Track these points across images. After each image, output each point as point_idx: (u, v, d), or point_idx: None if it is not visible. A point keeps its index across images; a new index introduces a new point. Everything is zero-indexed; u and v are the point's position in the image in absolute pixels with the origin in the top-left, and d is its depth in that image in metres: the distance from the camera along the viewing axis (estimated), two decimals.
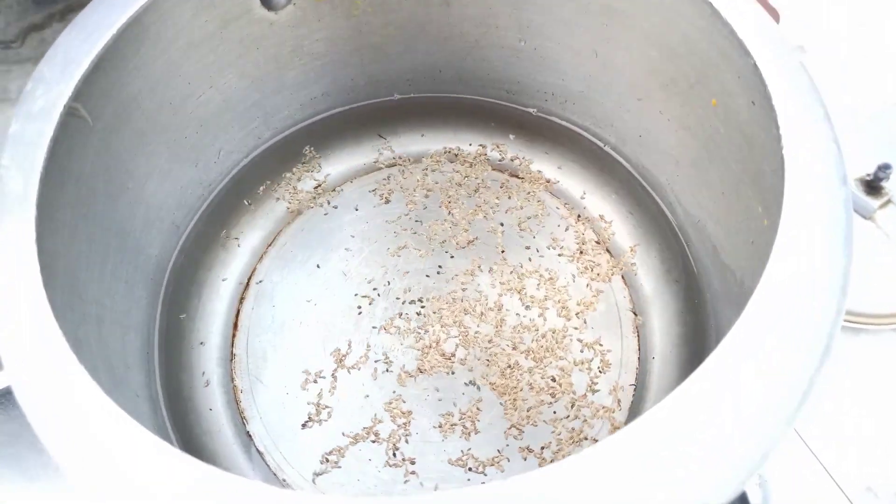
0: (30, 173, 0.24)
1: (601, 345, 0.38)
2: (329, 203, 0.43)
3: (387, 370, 0.37)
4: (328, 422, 0.36)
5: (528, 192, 0.43)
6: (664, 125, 0.35)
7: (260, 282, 0.41)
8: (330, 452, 0.35)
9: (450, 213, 0.42)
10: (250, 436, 0.37)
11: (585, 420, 0.36)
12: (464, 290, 0.39)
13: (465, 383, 0.37)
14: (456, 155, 0.44)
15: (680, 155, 0.35)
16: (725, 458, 0.18)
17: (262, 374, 0.38)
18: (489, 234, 0.41)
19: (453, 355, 0.38)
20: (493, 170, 0.44)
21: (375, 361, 0.38)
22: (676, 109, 0.34)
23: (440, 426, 0.36)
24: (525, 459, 0.35)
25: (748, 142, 0.29)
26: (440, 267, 0.40)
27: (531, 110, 0.42)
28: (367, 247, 0.41)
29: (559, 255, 0.40)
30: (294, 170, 0.43)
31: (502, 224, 0.42)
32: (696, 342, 0.36)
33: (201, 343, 0.38)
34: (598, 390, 0.37)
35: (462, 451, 0.35)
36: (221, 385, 0.38)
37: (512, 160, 0.44)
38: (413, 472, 0.35)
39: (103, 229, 0.30)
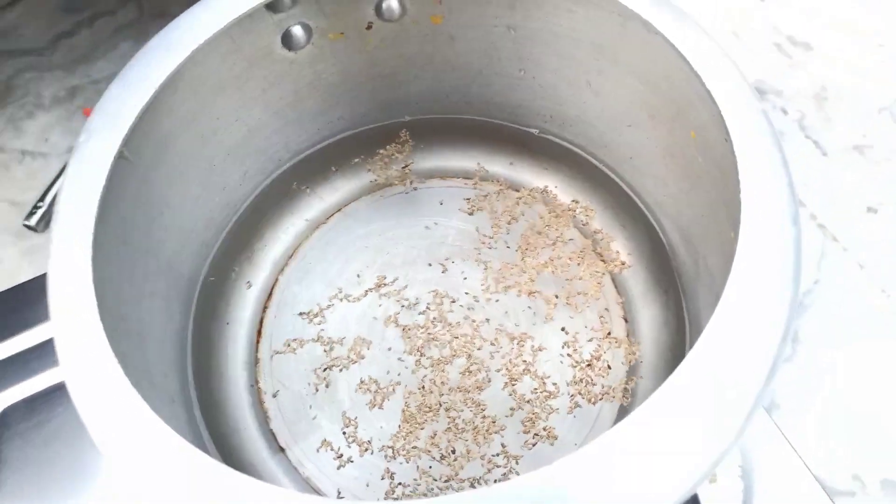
0: (86, 214, 0.27)
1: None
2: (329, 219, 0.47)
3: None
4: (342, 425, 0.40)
5: (596, 273, 0.44)
6: (652, 150, 0.38)
7: (282, 290, 0.45)
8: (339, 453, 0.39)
9: (523, 258, 0.45)
10: (273, 433, 0.40)
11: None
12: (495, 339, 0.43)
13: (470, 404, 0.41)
14: (547, 195, 0.47)
15: (667, 178, 0.38)
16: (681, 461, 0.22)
17: (282, 377, 0.42)
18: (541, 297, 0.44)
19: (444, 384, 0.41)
20: (575, 228, 0.46)
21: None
22: (662, 137, 0.37)
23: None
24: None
25: (722, 173, 0.31)
26: (476, 299, 0.44)
27: (533, 130, 0.45)
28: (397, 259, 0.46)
29: (589, 339, 0.43)
30: (306, 187, 0.47)
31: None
32: (680, 347, 0.40)
33: (228, 349, 0.42)
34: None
35: (483, 456, 0.39)
36: (246, 388, 0.42)
37: (595, 232, 0.46)
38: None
39: (141, 253, 0.34)
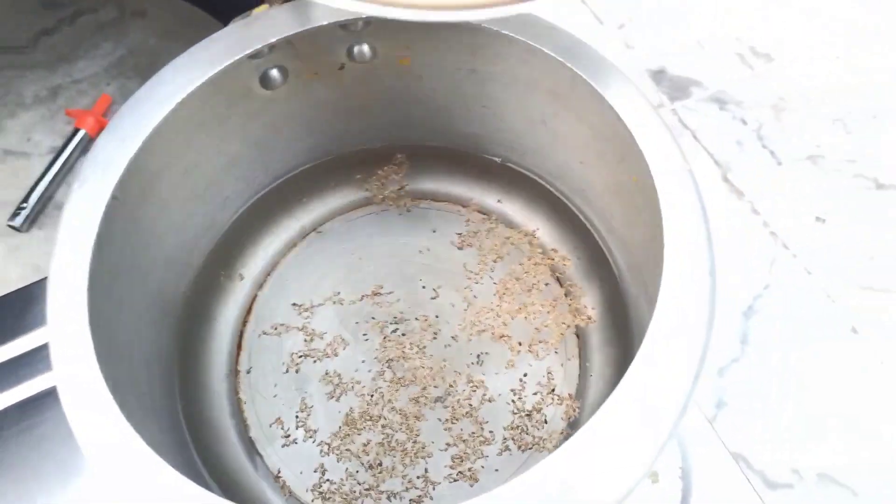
0: (82, 255, 0.31)
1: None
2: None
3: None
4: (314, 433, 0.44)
5: (563, 324, 0.47)
6: (601, 186, 0.42)
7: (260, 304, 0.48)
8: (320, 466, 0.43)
9: (500, 302, 0.47)
10: (252, 441, 0.44)
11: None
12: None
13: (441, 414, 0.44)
14: (532, 238, 0.50)
15: (613, 212, 0.42)
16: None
17: (260, 388, 0.45)
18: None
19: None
20: (553, 276, 0.48)
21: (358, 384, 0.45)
22: (608, 177, 0.40)
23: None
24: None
25: (657, 214, 0.35)
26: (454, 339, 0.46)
27: (496, 159, 0.49)
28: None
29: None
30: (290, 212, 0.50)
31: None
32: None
33: (210, 364, 0.45)
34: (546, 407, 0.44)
35: (405, 476, 0.42)
36: (227, 398, 0.45)
37: (570, 286, 0.48)
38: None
39: (130, 282, 0.37)
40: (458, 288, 0.48)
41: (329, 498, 0.41)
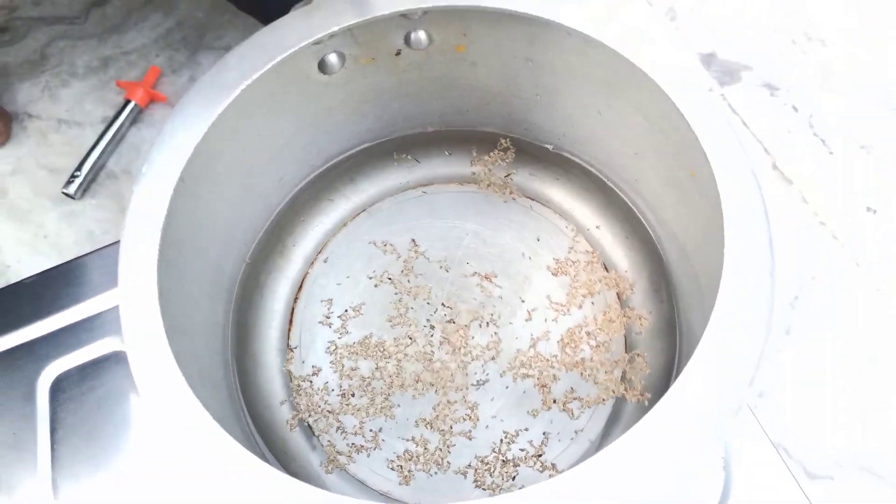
0: (153, 233, 0.32)
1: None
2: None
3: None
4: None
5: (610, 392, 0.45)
6: (653, 178, 0.42)
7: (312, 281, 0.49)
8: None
9: (562, 350, 0.46)
10: (296, 408, 0.46)
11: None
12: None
13: (476, 383, 0.45)
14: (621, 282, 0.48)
15: (666, 204, 0.42)
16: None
17: (309, 361, 0.47)
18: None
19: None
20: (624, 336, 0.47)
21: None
22: (663, 170, 0.40)
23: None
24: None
25: (716, 212, 0.35)
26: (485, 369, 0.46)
27: (548, 146, 0.49)
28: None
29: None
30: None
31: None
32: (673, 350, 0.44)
33: (264, 338, 0.47)
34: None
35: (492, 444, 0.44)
36: (279, 371, 0.47)
37: (636, 354, 0.46)
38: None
39: (191, 258, 0.38)
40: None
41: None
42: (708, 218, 0.35)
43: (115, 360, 0.48)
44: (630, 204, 0.46)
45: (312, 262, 0.50)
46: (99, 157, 0.55)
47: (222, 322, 0.43)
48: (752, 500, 0.47)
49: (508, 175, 0.51)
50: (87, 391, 0.47)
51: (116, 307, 0.45)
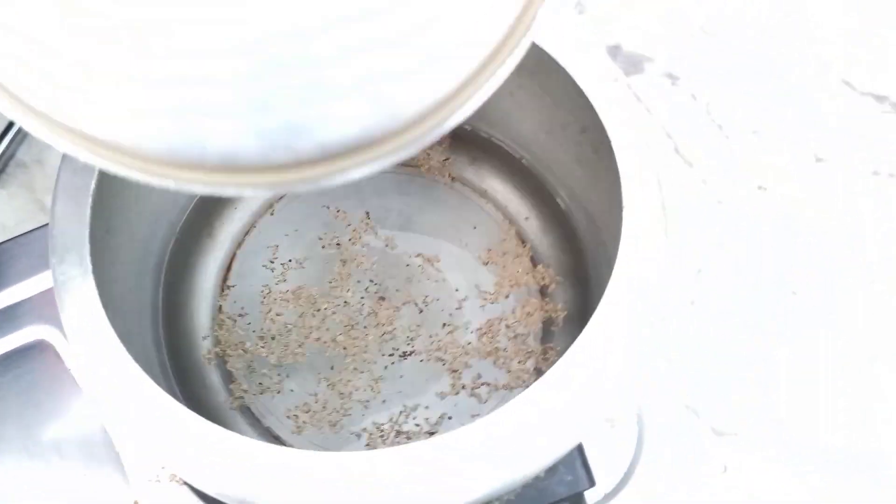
0: (82, 213, 0.33)
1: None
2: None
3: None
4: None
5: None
6: (563, 156, 0.45)
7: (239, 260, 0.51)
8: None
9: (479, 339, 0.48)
10: (231, 374, 0.47)
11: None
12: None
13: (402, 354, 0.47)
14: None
15: (574, 181, 0.45)
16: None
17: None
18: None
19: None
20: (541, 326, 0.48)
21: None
22: (571, 147, 0.44)
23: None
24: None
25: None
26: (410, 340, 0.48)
27: (466, 126, 0.51)
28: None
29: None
30: None
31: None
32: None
33: (194, 316, 0.48)
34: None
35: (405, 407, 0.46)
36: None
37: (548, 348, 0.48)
38: None
39: (122, 239, 0.39)
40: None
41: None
42: (610, 190, 0.38)
43: (40, 348, 0.47)
44: (546, 185, 0.49)
45: (241, 243, 0.51)
46: (8, 147, 0.54)
47: (152, 299, 0.44)
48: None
49: (447, 159, 0.52)
50: (14, 379, 0.47)
51: (38, 294, 0.46)
